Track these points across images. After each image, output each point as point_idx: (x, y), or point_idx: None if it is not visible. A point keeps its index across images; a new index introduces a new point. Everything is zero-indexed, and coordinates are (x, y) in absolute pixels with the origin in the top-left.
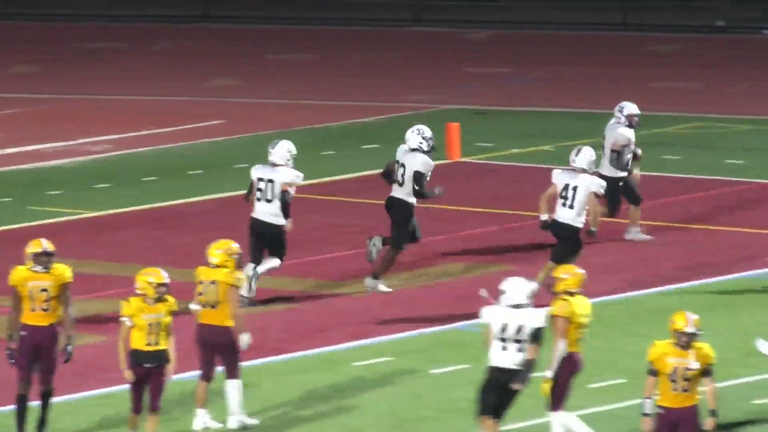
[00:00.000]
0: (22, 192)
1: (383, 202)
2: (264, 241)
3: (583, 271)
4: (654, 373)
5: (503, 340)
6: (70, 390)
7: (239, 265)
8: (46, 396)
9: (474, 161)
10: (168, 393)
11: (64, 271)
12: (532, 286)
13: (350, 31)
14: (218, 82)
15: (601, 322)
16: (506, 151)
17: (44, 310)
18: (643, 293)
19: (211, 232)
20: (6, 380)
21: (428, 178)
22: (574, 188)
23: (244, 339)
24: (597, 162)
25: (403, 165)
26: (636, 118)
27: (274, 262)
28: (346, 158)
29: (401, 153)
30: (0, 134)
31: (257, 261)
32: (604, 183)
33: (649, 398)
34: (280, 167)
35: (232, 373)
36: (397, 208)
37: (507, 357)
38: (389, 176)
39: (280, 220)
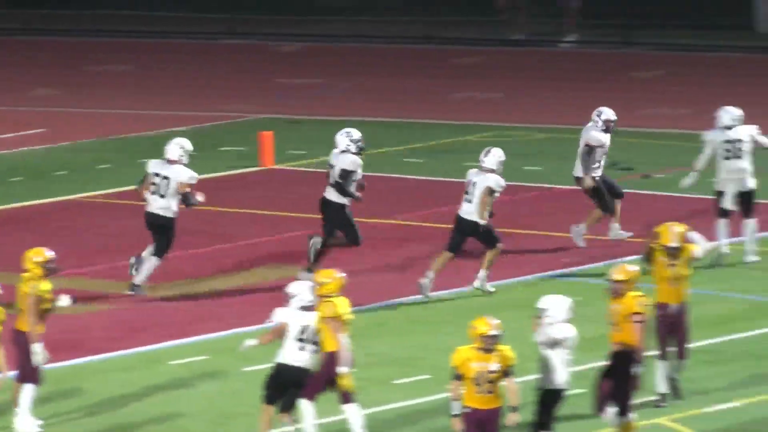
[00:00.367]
0: None
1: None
2: (155, 232)
3: (344, 275)
4: (459, 377)
5: (302, 340)
6: None
7: (49, 274)
8: None
9: (287, 168)
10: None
11: None
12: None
13: (167, 44)
14: (38, 92)
15: (408, 320)
16: (317, 159)
17: None
18: (448, 293)
19: (31, 239)
20: None
21: (358, 177)
22: (474, 184)
23: (35, 349)
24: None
25: (333, 166)
26: (612, 124)
27: (154, 260)
28: None
29: (333, 156)
30: None
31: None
32: (502, 182)
33: (456, 400)
34: (175, 165)
35: (23, 376)
36: (328, 208)
37: (302, 356)
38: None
39: (169, 213)
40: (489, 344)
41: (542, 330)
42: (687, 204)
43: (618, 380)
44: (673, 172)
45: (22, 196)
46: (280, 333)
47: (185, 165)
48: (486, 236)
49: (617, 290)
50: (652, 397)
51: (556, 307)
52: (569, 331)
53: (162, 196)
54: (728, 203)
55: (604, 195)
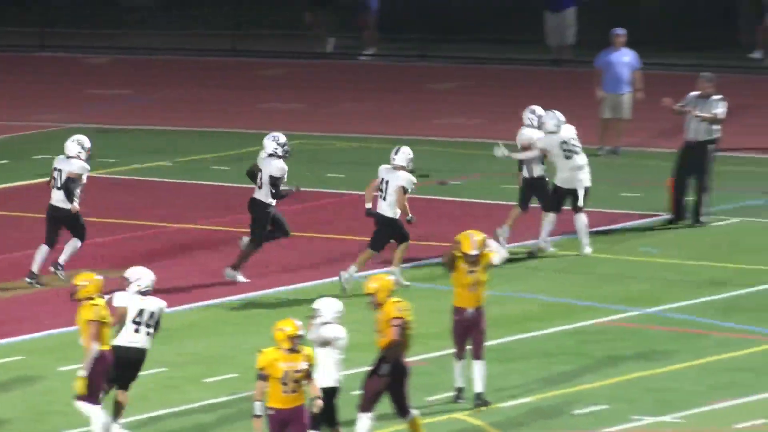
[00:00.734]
0: None
1: (18, 213)
2: (58, 224)
3: (102, 277)
4: (264, 378)
5: (138, 323)
6: None
7: None
8: None
9: (98, 175)
10: None
11: None
12: (152, 276)
13: None
14: None
15: (217, 321)
16: (128, 166)
17: None
18: (257, 294)
19: None
20: None
21: (284, 180)
22: (387, 182)
23: None
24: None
25: (260, 169)
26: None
27: (75, 244)
28: None
29: (259, 159)
30: None
31: (51, 244)
32: (412, 179)
33: (260, 401)
34: (72, 159)
35: None
36: (256, 208)
37: (137, 338)
38: (253, 177)
39: (68, 205)
40: (296, 344)
41: (314, 329)
42: (479, 209)
43: (393, 383)
44: (467, 179)
45: None
46: (121, 317)
47: (84, 160)
48: (399, 230)
49: (375, 301)
50: (450, 393)
51: (327, 308)
52: (340, 332)
53: (59, 189)
54: (581, 200)
55: (546, 194)
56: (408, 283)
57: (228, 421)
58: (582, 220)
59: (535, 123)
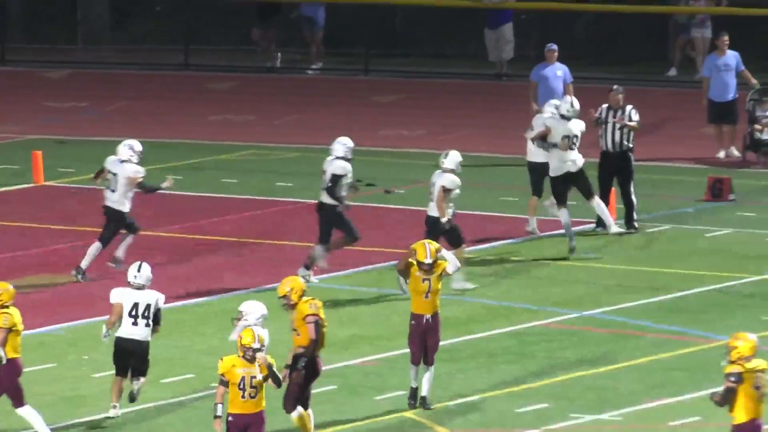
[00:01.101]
0: None
1: None
2: (111, 224)
3: (12, 287)
4: (225, 383)
5: (134, 316)
6: None
7: None
8: None
9: (56, 185)
10: None
11: None
12: (149, 271)
13: None
14: None
15: (173, 323)
16: (84, 176)
17: None
18: (210, 299)
19: None
20: None
21: (347, 178)
22: (434, 184)
23: None
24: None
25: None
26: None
27: (128, 239)
28: None
29: (326, 162)
30: None
31: (105, 242)
32: (457, 180)
33: (220, 403)
34: (125, 163)
35: None
36: (323, 209)
37: (135, 330)
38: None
39: (122, 207)
40: (247, 354)
41: (238, 330)
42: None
43: (305, 380)
44: (411, 188)
45: None
46: (118, 312)
47: (135, 163)
48: (452, 234)
49: (288, 302)
50: (400, 392)
51: (253, 310)
52: (264, 334)
53: (113, 191)
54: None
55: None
56: (473, 285)
57: (186, 419)
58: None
59: (557, 116)
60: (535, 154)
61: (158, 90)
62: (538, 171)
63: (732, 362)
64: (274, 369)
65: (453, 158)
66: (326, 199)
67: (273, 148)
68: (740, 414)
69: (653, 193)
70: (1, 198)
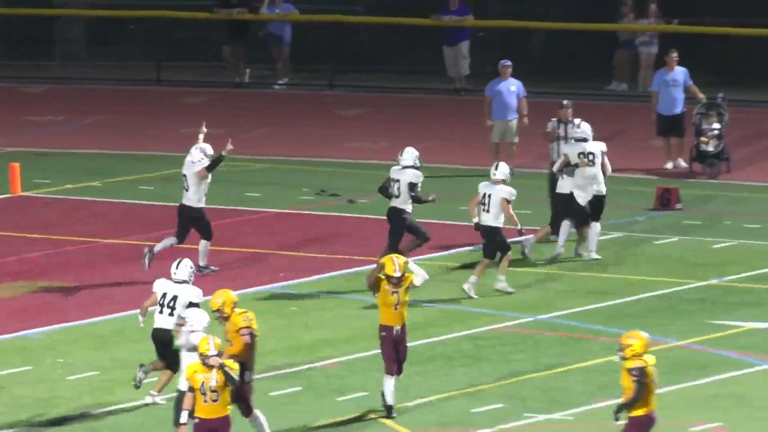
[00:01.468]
0: None
1: None
2: (187, 222)
3: None
4: (191, 389)
5: (162, 306)
6: None
7: None
8: None
9: (34, 195)
10: None
11: None
12: (192, 265)
13: None
14: None
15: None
16: (61, 186)
17: None
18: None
19: None
20: None
21: (419, 187)
22: (489, 196)
23: None
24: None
25: (395, 180)
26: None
27: (204, 244)
28: None
29: (394, 171)
30: None
31: (180, 238)
32: (513, 191)
33: (186, 410)
34: (197, 164)
35: None
36: (394, 215)
37: (163, 320)
38: (385, 191)
39: (196, 203)
40: (202, 361)
41: (183, 336)
42: (385, 225)
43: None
44: (373, 198)
45: None
46: (152, 300)
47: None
48: (501, 240)
49: (222, 315)
50: (361, 393)
51: (198, 318)
52: (219, 340)
53: (187, 190)
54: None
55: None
56: (513, 289)
57: (157, 420)
58: (595, 228)
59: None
60: (561, 186)
61: (133, 104)
62: (563, 203)
63: (626, 359)
64: (226, 369)
65: (503, 170)
66: (397, 204)
67: (242, 160)
68: (639, 408)
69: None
70: None
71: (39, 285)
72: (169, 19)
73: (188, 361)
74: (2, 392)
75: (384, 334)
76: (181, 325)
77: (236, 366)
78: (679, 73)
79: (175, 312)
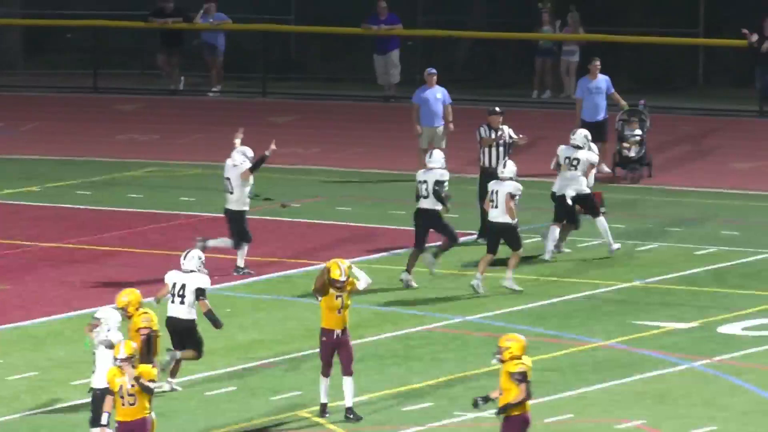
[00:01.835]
0: None
1: None
2: (231, 223)
3: None
4: (111, 393)
5: (173, 295)
6: None
7: None
8: None
9: None
10: None
11: None
12: (203, 257)
13: None
14: None
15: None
16: (0, 191)
17: None
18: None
19: None
20: None
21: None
22: (497, 192)
23: None
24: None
25: (425, 181)
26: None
27: (222, 243)
28: None
29: (421, 173)
30: None
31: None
32: (520, 187)
33: (106, 412)
34: (239, 166)
35: None
36: (424, 216)
37: (175, 309)
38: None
39: (240, 206)
40: (117, 363)
41: (99, 333)
42: (317, 229)
43: None
44: (305, 202)
45: None
46: (166, 290)
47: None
48: (513, 236)
49: (126, 314)
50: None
51: (111, 317)
52: (121, 338)
53: (231, 193)
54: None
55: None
56: (521, 288)
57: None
58: (602, 224)
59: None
60: (558, 186)
61: (69, 112)
62: (557, 200)
63: (504, 361)
64: (141, 381)
65: (510, 167)
66: (426, 205)
67: (177, 165)
68: (514, 409)
69: (530, 206)
70: None
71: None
72: (105, 28)
73: (102, 358)
74: None
75: (324, 338)
76: (95, 325)
77: (153, 372)
78: (602, 80)
79: (185, 300)
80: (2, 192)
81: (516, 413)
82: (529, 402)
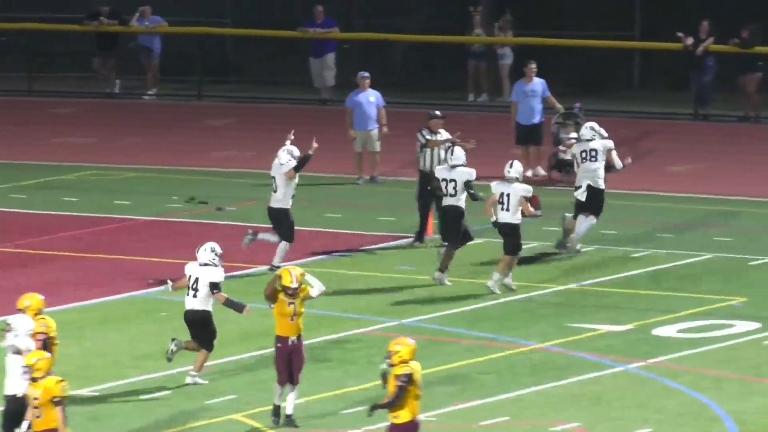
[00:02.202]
0: None
1: None
2: (273, 221)
3: None
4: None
5: (189, 288)
6: None
7: None
8: None
9: None
10: None
11: None
12: (218, 249)
13: None
14: None
15: None
16: None
17: None
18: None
19: None
20: None
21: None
22: (508, 195)
23: None
24: None
25: (448, 180)
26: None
27: (284, 246)
28: None
29: (440, 170)
30: None
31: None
32: (530, 188)
33: (26, 420)
34: (284, 165)
35: None
36: (450, 213)
37: (191, 302)
38: (433, 194)
39: (283, 204)
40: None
41: (9, 339)
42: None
43: None
44: (241, 205)
45: None
46: (185, 282)
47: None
48: (514, 240)
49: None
50: (231, 396)
51: (21, 324)
52: (31, 345)
53: (275, 191)
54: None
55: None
56: (515, 287)
57: None
58: (591, 221)
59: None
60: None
61: (4, 115)
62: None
63: (394, 365)
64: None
65: (517, 168)
66: (451, 202)
67: (112, 169)
68: (405, 413)
69: (466, 209)
70: None
71: None
72: (41, 31)
73: (12, 365)
74: None
75: (279, 345)
76: (7, 330)
77: (56, 389)
78: (538, 84)
79: (198, 294)
80: None
81: (405, 419)
82: (417, 405)
